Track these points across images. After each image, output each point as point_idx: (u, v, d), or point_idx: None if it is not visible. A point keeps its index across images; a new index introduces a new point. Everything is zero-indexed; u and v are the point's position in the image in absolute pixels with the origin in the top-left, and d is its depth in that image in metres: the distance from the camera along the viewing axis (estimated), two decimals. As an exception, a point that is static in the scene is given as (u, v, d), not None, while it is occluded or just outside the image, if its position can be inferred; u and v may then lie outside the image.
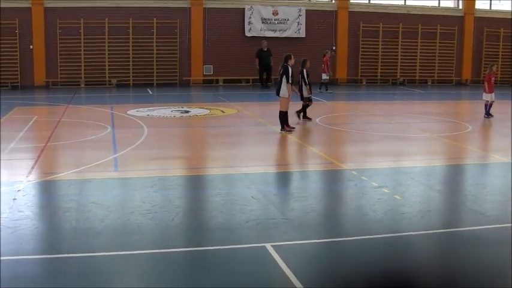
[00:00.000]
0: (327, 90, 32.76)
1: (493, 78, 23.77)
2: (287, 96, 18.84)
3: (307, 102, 21.35)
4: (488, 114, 23.36)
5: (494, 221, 10.53)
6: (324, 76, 32.94)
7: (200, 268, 8.13)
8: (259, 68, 35.18)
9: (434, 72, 40.27)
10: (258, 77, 35.69)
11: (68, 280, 7.68)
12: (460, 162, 16.17)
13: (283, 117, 18.92)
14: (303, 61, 21.77)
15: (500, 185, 13.41)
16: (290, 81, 18.75)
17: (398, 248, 9.24)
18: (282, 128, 18.83)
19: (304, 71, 21.30)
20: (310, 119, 21.30)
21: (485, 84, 23.67)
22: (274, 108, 19.69)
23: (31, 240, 9.07)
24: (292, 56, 19.16)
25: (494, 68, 24.42)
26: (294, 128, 19.13)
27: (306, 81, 21.19)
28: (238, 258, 8.56)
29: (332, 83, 35.47)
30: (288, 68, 18.78)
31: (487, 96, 23.46)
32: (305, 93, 21.24)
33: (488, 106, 23.44)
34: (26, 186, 12.13)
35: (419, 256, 9.01)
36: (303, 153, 16.53)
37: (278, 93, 19.03)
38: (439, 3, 40.66)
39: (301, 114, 21.38)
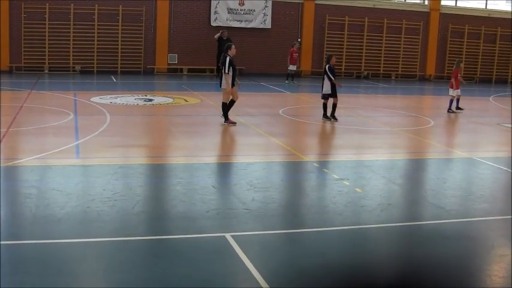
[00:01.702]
0: (292, 80, 33.03)
1: (459, 74, 24.11)
2: (226, 87, 18.69)
3: (326, 99, 20.51)
4: (457, 108, 23.93)
5: (454, 215, 10.66)
6: (291, 67, 33.18)
7: (160, 256, 8.12)
8: (217, 56, 35.07)
9: (398, 67, 40.56)
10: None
11: (28, 267, 7.61)
12: (421, 156, 16.31)
13: (224, 108, 18.79)
14: (328, 56, 21.35)
15: (461, 180, 13.61)
16: (227, 72, 18.49)
17: (358, 241, 9.30)
18: (225, 120, 18.73)
19: (327, 66, 20.61)
20: (329, 119, 20.41)
21: (452, 80, 23.98)
22: (238, 99, 19.65)
23: (-10, 226, 8.98)
24: (233, 46, 18.95)
25: (461, 65, 24.80)
26: (235, 123, 18.77)
27: (330, 76, 20.36)
28: (197, 248, 8.55)
29: (296, 74, 35.57)
30: (227, 58, 18.56)
31: (454, 92, 23.79)
32: (325, 89, 20.51)
33: (456, 101, 23.80)
34: (-15, 171, 12.01)
35: (379, 249, 9.08)
36: (265, 144, 16.54)
37: (221, 85, 18.93)
38: (405, -2, 40.96)
39: (331, 112, 20.49)
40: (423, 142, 18.05)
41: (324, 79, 20.64)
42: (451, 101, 23.99)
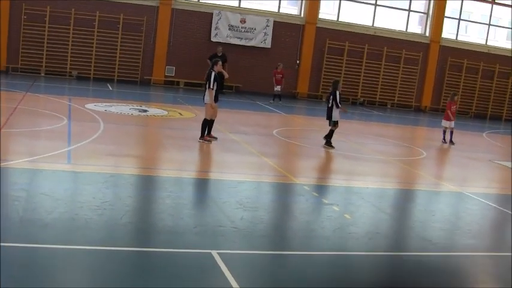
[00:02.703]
0: (280, 100, 33.08)
1: (453, 107, 24.30)
2: (209, 103, 18.33)
3: (334, 126, 19.98)
4: (450, 141, 24.23)
5: (440, 248, 10.66)
6: (276, 88, 33.31)
7: (144, 269, 8.09)
8: None
9: (394, 96, 40.61)
10: None
11: (11, 270, 7.57)
12: (411, 187, 16.32)
13: (204, 124, 18.40)
14: (335, 82, 20.49)
15: (449, 214, 13.61)
16: (211, 87, 18.17)
17: (343, 267, 9.29)
18: (201, 137, 18.33)
19: (337, 92, 19.84)
20: (332, 147, 19.76)
21: (448, 111, 24.22)
22: (232, 115, 19.68)
23: (-25, 227, 8.93)
24: (219, 63, 18.68)
25: (455, 98, 25.02)
26: (215, 138, 18.51)
27: (338, 103, 19.75)
28: (183, 263, 8.53)
29: (293, 96, 35.64)
30: (211, 74, 18.28)
31: (445, 123, 24.02)
32: (334, 117, 19.89)
33: (450, 134, 23.99)
34: (-25, 171, 11.95)
35: (363, 276, 9.06)
36: (256, 163, 16.52)
37: (204, 100, 18.58)
38: (406, 28, 41.05)
39: (327, 139, 19.99)
40: (414, 173, 18.07)
41: (333, 105, 19.89)
42: (444, 132, 24.34)
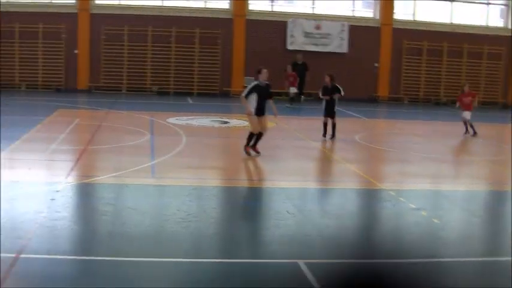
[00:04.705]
0: (292, 104, 32.13)
1: (467, 98, 24.25)
2: (246, 113, 17.45)
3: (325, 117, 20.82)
4: (474, 132, 23.74)
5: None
6: (292, 89, 32.58)
7: (231, 280, 8.05)
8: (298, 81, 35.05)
9: (479, 93, 39.67)
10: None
11: (99, 283, 7.68)
12: (503, 188, 15.76)
13: (249, 138, 17.25)
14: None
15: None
16: (243, 95, 17.27)
17: (434, 274, 9.04)
18: (246, 145, 17.19)
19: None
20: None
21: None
22: (313, 123, 19.49)
23: (66, 240, 9.17)
24: (264, 71, 17.34)
25: (465, 89, 24.95)
26: (259, 153, 17.15)
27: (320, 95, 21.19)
28: (269, 273, 8.47)
29: (373, 100, 35.23)
30: (252, 83, 17.34)
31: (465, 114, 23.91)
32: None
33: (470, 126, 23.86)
34: (64, 187, 12.24)
35: (455, 284, 8.80)
36: (340, 170, 16.36)
37: None
38: (487, 21, 40.02)
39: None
40: (505, 173, 17.50)
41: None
42: (465, 123, 24.07)
